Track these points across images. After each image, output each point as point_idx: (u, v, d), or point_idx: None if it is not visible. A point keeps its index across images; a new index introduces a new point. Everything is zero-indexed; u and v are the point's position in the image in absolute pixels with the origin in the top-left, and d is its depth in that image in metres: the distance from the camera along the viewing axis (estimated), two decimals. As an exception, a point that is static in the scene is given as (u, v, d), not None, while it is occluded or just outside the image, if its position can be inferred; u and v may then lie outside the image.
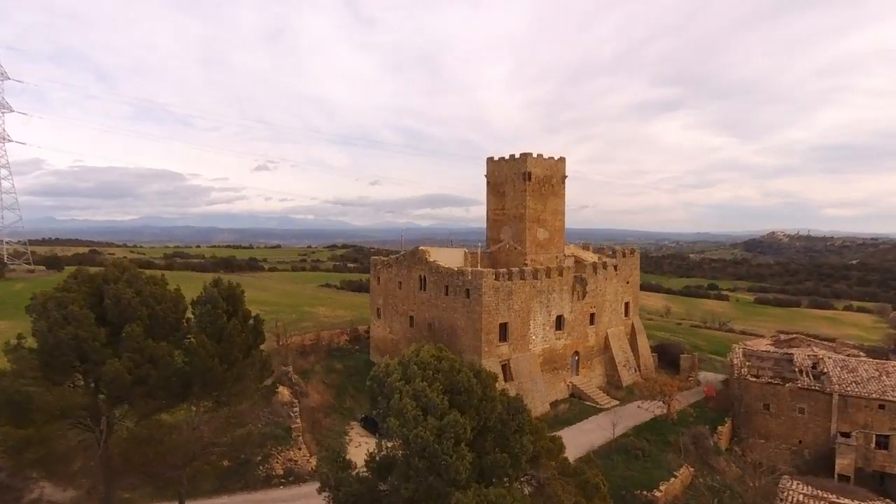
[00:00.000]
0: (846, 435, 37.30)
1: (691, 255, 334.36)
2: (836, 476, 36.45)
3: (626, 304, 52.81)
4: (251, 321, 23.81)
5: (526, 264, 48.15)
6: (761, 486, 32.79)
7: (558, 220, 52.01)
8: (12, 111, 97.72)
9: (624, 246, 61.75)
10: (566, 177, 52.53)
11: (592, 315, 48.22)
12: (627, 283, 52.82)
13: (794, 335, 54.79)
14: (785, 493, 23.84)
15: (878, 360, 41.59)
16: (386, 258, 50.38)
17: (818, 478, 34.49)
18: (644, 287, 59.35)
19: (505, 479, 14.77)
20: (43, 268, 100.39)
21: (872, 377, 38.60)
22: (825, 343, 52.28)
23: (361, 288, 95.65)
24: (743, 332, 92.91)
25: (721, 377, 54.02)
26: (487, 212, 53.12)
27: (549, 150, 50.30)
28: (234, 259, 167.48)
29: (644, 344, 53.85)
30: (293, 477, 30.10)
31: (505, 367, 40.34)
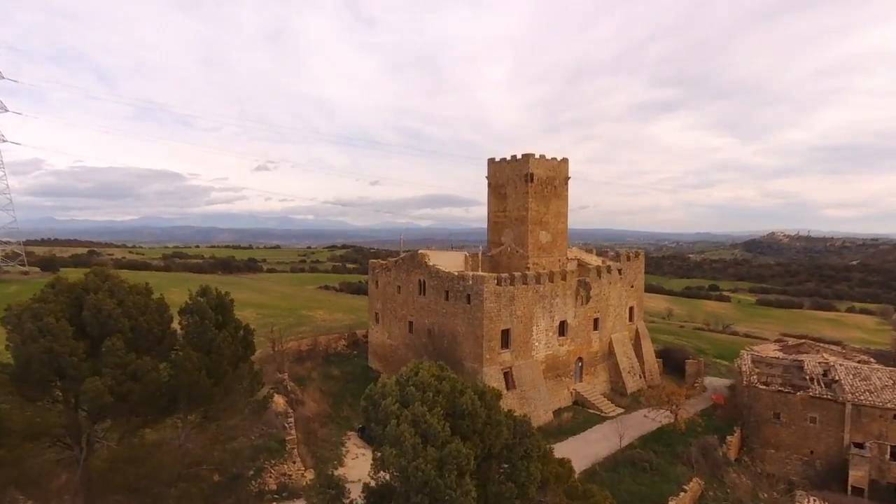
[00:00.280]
0: (860, 446, 36.07)
1: (691, 256, 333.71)
2: (849, 488, 35.24)
3: (631, 309, 51.59)
4: (241, 331, 22.53)
5: (528, 268, 46.97)
6: (775, 501, 31.65)
7: (561, 223, 50.79)
8: (7, 111, 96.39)
9: (628, 249, 60.51)
10: (569, 178, 51.31)
11: (596, 320, 46.99)
12: (632, 286, 51.60)
13: (803, 341, 53.59)
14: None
15: (891, 368, 40.37)
16: (384, 262, 49.15)
17: (832, 492, 33.41)
18: (645, 288, 58.15)
19: (511, 510, 13.58)
20: (38, 270, 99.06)
21: (886, 385, 37.39)
22: (833, 348, 51.03)
23: (360, 290, 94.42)
24: (747, 335, 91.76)
25: (727, 382, 52.85)
26: (488, 214, 51.90)
27: (550, 151, 49.21)
28: (232, 260, 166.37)
29: (649, 349, 52.63)
30: (287, 492, 28.84)
31: (507, 375, 39.12)
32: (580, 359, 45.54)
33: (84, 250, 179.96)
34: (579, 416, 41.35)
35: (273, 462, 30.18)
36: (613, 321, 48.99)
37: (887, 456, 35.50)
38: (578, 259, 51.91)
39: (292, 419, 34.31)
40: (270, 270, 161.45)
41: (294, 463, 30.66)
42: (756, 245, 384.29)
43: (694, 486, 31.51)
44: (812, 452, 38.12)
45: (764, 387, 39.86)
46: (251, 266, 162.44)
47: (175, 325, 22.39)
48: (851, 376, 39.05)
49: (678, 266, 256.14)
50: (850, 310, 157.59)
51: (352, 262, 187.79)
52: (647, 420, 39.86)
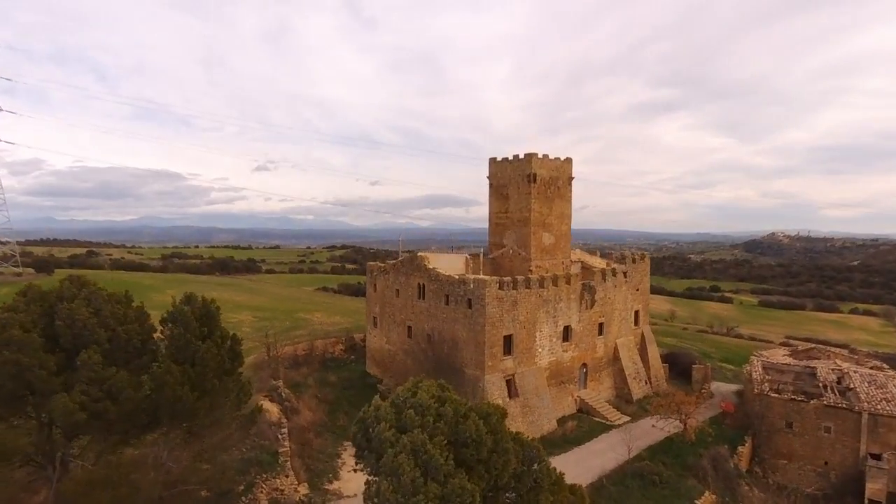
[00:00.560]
0: (877, 457, 34.66)
1: (691, 256, 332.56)
2: (865, 501, 33.86)
3: (636, 313, 50.16)
4: (229, 342, 21.12)
5: (531, 271, 45.57)
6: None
7: (564, 224, 49.38)
8: (1, 110, 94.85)
9: (628, 249, 59.01)
10: (572, 178, 49.92)
11: (601, 325, 45.56)
12: (637, 290, 50.17)
13: (813, 346, 52.19)
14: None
15: (907, 375, 38.98)
16: (383, 264, 47.73)
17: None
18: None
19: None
20: (32, 271, 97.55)
21: (904, 394, 35.99)
22: (843, 353, 49.62)
23: (359, 292, 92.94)
24: (751, 338, 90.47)
25: (734, 387, 51.47)
26: (490, 215, 50.48)
27: (550, 151, 47.77)
28: (230, 261, 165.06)
29: (655, 354, 51.19)
30: (279, 508, 27.43)
31: (509, 383, 37.69)
32: (584, 365, 44.13)
33: (83, 250, 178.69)
34: (584, 425, 39.92)
35: (265, 476, 28.71)
36: (619, 326, 47.58)
37: (906, 468, 34.13)
38: (582, 262, 50.50)
39: (286, 430, 32.91)
40: (269, 271, 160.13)
41: (287, 477, 29.20)
42: (756, 245, 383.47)
43: (706, 500, 30.11)
44: (826, 463, 36.71)
45: (776, 395, 38.45)
46: (250, 267, 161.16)
47: (158, 334, 21.04)
48: (867, 384, 37.65)
49: (679, 267, 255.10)
50: (853, 311, 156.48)
51: (351, 262, 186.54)
52: (654, 429, 38.49)
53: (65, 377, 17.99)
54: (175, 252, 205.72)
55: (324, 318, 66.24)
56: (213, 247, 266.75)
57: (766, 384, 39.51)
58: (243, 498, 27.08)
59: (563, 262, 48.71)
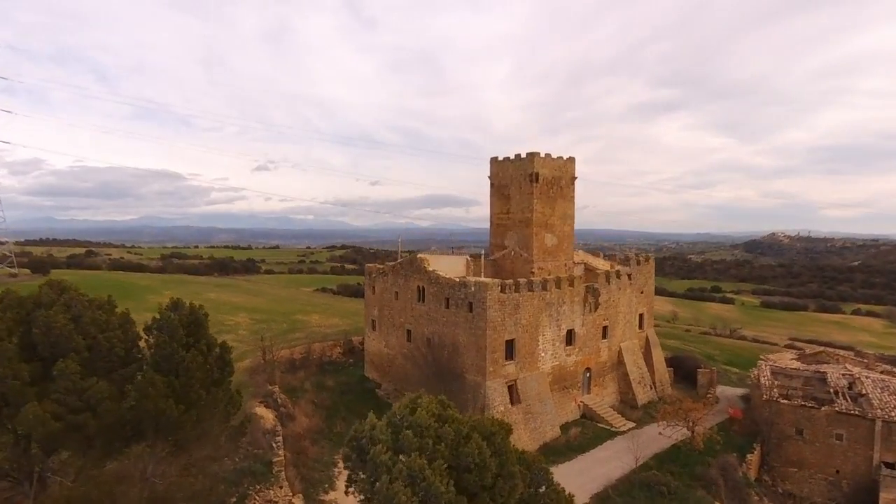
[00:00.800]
0: (891, 466, 33.59)
1: (692, 257, 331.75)
2: (879, 512, 32.80)
3: (641, 316, 49.11)
4: (217, 350, 20.04)
5: (533, 273, 44.50)
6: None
7: (567, 225, 48.28)
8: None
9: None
10: (575, 178, 48.84)
11: (605, 328, 44.49)
12: (642, 292, 49.11)
13: (822, 349, 51.13)
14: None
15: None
16: (382, 266, 46.65)
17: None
18: (651, 292, 56.22)
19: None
20: (28, 271, 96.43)
21: (918, 401, 34.93)
22: (850, 356, 48.56)
23: (359, 293, 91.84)
24: (755, 340, 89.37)
25: (739, 391, 50.46)
26: (491, 216, 49.39)
27: (551, 151, 46.70)
28: (229, 261, 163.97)
29: (659, 358, 50.15)
30: (272, 521, 26.39)
31: (511, 389, 36.63)
32: (588, 369, 43.07)
33: (82, 250, 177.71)
34: (588, 432, 38.84)
35: (258, 487, 27.59)
36: (623, 329, 46.51)
37: (921, 477, 33.05)
38: (585, 263, 49.45)
39: (280, 438, 31.85)
40: (268, 271, 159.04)
41: (281, 488, 28.13)
42: (756, 245, 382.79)
43: (716, 512, 29.06)
44: (838, 472, 35.63)
45: (785, 401, 37.38)
46: (248, 267, 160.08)
47: (144, 342, 19.99)
48: (879, 390, 36.57)
49: (679, 267, 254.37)
50: (856, 312, 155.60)
51: (351, 262, 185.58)
52: (659, 435, 37.42)
53: (41, 388, 16.94)
54: (174, 252, 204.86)
55: (322, 320, 65.17)
56: (212, 247, 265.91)
57: (775, 390, 38.43)
58: (235, 510, 26.04)
59: (565, 264, 47.62)
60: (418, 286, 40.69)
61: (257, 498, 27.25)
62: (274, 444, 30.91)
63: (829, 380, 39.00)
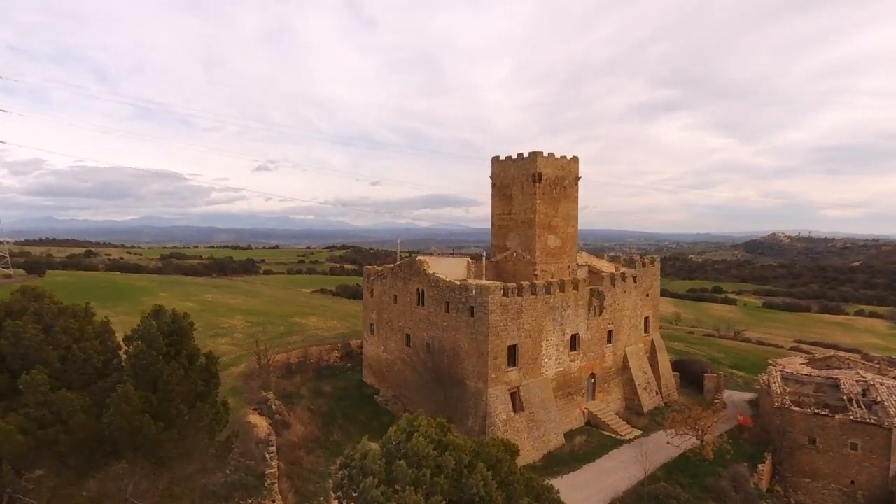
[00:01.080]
0: (908, 476, 32.38)
1: (692, 257, 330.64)
2: (897, 525, 31.56)
3: (646, 319, 47.83)
4: (203, 360, 18.79)
5: (535, 275, 43.28)
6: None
7: (571, 226, 47.02)
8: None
9: (640, 253, 56.84)
10: (579, 178, 47.58)
11: (610, 332, 43.22)
12: (647, 295, 47.84)
13: (832, 354, 49.91)
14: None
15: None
16: (380, 268, 45.39)
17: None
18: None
19: None
20: (23, 272, 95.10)
21: (935, 409, 33.67)
22: (864, 362, 47.23)
23: (358, 294, 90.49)
24: (760, 342, 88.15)
25: (747, 396, 49.19)
26: (492, 216, 48.13)
27: (551, 151, 45.46)
28: (228, 262, 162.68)
29: (665, 362, 48.86)
30: (264, 538, 25.14)
31: (514, 396, 35.38)
32: (593, 375, 41.81)
33: (81, 251, 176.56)
34: (593, 440, 37.58)
35: (249, 501, 26.34)
36: (628, 333, 45.25)
37: (940, 489, 31.82)
38: (589, 265, 48.20)
39: (274, 448, 30.51)
40: (267, 272, 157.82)
41: (273, 501, 26.87)
42: (757, 246, 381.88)
43: (728, 527, 27.79)
44: (853, 482, 34.37)
45: (798, 409, 36.11)
46: (247, 268, 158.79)
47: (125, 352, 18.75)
48: (895, 397, 35.32)
49: (680, 267, 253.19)
50: (859, 313, 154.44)
51: (351, 262, 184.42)
52: (666, 444, 36.16)
53: (10, 401, 15.72)
54: (174, 252, 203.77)
55: (320, 322, 63.88)
56: (212, 247, 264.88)
57: (787, 397, 37.16)
58: (224, 527, 24.79)
59: (569, 267, 46.37)
60: (418, 289, 39.45)
61: (248, 513, 26.03)
62: (267, 455, 29.59)
63: (843, 386, 37.76)
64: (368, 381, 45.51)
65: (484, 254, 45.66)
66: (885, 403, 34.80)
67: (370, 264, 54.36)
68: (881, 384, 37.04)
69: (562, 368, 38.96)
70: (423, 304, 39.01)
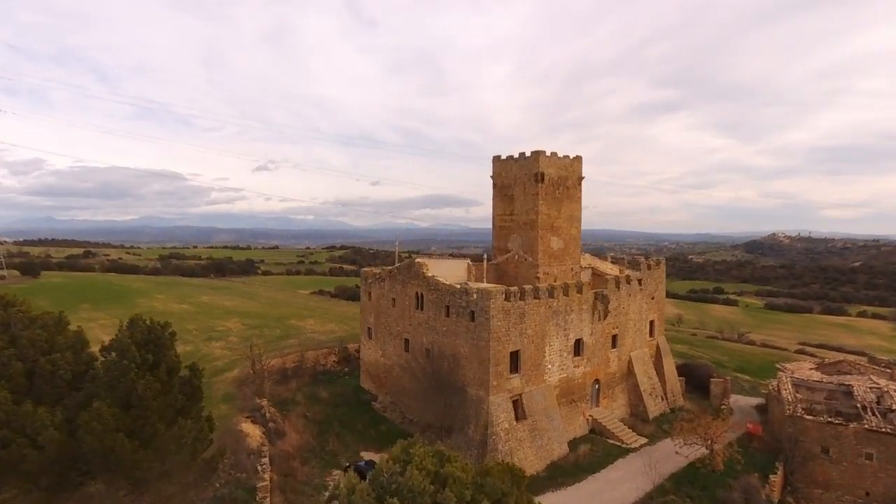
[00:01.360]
0: (926, 489, 31.11)
1: (692, 257, 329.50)
2: (914, 538, 30.30)
3: (651, 323, 46.56)
4: (184, 373, 17.52)
5: (538, 278, 41.98)
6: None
7: (574, 228, 45.72)
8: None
9: (643, 253, 55.58)
10: (582, 178, 46.29)
11: (614, 337, 41.95)
12: (652, 298, 46.57)
13: (841, 358, 48.59)
14: None
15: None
16: (378, 271, 44.11)
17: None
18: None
19: None
20: (17, 273, 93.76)
21: (954, 417, 32.42)
22: (873, 367, 45.91)
23: (357, 295, 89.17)
24: (764, 345, 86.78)
25: (753, 401, 47.91)
26: (493, 217, 46.84)
27: (556, 150, 44.22)
28: (227, 262, 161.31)
29: (671, 367, 47.59)
30: (254, 556, 23.90)
31: (517, 404, 34.09)
32: (597, 381, 40.53)
33: (80, 251, 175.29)
34: (598, 449, 36.28)
35: (239, 517, 25.17)
36: (633, 337, 43.98)
37: (960, 501, 30.55)
38: (593, 268, 46.91)
39: (266, 459, 29.31)
40: (266, 273, 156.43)
41: (265, 517, 25.66)
42: (757, 246, 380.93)
43: (741, 543, 26.53)
44: (868, 494, 33.07)
45: (810, 417, 34.83)
46: (246, 269, 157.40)
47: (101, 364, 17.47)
48: (911, 405, 34.06)
49: (680, 268, 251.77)
50: (861, 314, 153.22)
51: (350, 262, 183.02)
52: (674, 453, 34.79)
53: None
54: (173, 252, 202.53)
55: (317, 325, 62.59)
56: (212, 247, 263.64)
57: (798, 405, 35.89)
58: (212, 545, 23.56)
59: (572, 269, 45.08)
60: (417, 293, 38.19)
61: (238, 530, 24.77)
62: (259, 467, 28.38)
63: (856, 393, 36.49)
64: (366, 387, 44.27)
65: (485, 255, 44.43)
66: (901, 411, 33.53)
67: (369, 265, 53.13)
68: (895, 391, 35.79)
69: (565, 374, 37.68)
70: (422, 308, 37.76)
